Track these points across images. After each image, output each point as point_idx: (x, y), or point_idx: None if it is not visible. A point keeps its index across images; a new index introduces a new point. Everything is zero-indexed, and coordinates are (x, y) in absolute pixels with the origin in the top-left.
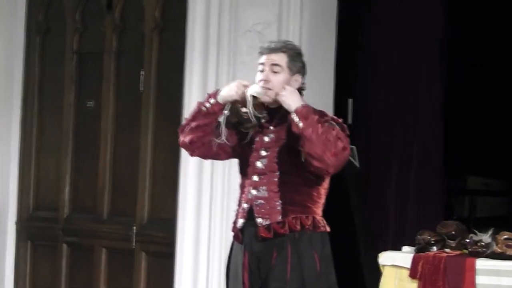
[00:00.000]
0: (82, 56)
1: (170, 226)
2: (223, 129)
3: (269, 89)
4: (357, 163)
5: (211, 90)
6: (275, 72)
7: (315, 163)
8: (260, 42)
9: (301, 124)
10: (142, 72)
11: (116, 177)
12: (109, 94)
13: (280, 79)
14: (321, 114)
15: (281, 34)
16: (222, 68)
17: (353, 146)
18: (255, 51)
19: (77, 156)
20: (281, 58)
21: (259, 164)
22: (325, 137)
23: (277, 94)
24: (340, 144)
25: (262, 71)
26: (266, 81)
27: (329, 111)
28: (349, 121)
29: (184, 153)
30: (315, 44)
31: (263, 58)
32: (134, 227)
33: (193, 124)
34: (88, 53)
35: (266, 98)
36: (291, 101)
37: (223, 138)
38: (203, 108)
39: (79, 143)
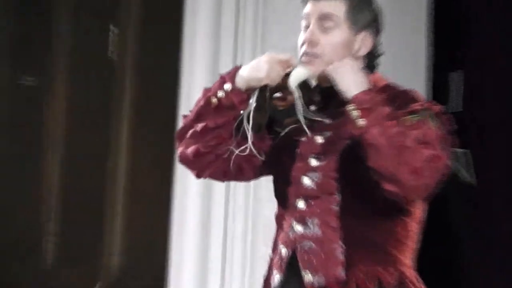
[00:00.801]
0: (21, 16)
1: (158, 278)
2: (249, 132)
3: (316, 57)
4: (471, 177)
5: (226, 60)
6: (326, 29)
7: (386, 186)
8: None
9: (361, 121)
10: (112, 31)
11: (69, 197)
12: (60, 67)
13: (334, 40)
14: (404, 98)
15: None
16: (244, 27)
17: (466, 150)
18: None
19: (8, 159)
20: (336, 6)
21: (307, 181)
22: (401, 143)
23: (328, 66)
24: (425, 152)
25: (306, 27)
26: (311, 42)
27: (420, 91)
28: (459, 106)
29: None
30: None
31: (308, 7)
32: (98, 285)
33: (199, 126)
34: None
35: (312, 74)
36: (347, 81)
37: (249, 145)
38: (214, 100)
39: (12, 140)
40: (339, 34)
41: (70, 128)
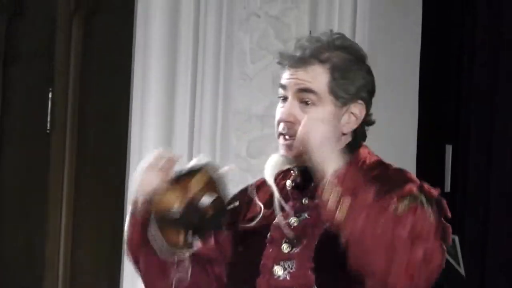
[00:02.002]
0: None
1: None
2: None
3: (295, 139)
4: (461, 268)
5: (180, 131)
6: (306, 104)
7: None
8: (277, 35)
9: (344, 207)
10: (50, 95)
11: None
12: None
13: (315, 118)
14: (397, 179)
15: (317, 26)
16: (204, 83)
17: (454, 236)
18: (268, 53)
19: None
20: (317, 77)
21: (279, 271)
22: (392, 240)
23: (306, 146)
24: (419, 251)
25: (284, 98)
26: (289, 123)
27: (410, 167)
28: (447, 187)
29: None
30: (382, 49)
31: (286, 76)
32: None
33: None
34: None
35: (291, 161)
36: (322, 153)
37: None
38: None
39: None
40: (322, 110)
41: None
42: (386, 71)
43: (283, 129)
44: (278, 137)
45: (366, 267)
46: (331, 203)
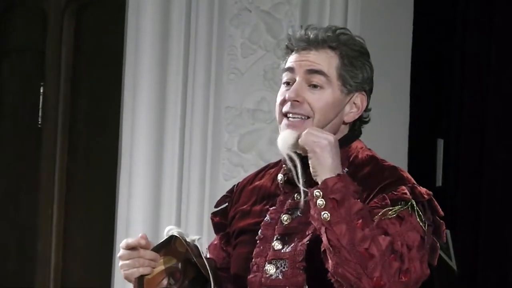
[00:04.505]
0: None
1: None
2: None
3: (303, 117)
4: (453, 262)
5: (171, 134)
6: (314, 86)
7: None
8: (268, 30)
9: (326, 215)
10: (42, 90)
11: None
12: None
13: (323, 100)
14: (390, 179)
15: (308, 21)
16: (196, 78)
17: (446, 231)
18: (259, 47)
19: None
20: (327, 60)
21: (271, 270)
22: (367, 251)
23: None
24: (394, 265)
25: (288, 82)
26: (295, 102)
27: (402, 162)
28: (439, 181)
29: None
30: (373, 43)
31: (293, 59)
32: None
33: None
34: None
35: (297, 143)
36: (323, 158)
37: None
38: None
39: None
40: (329, 93)
41: None
42: (378, 65)
43: (290, 108)
44: (281, 119)
45: (341, 276)
46: (313, 212)
